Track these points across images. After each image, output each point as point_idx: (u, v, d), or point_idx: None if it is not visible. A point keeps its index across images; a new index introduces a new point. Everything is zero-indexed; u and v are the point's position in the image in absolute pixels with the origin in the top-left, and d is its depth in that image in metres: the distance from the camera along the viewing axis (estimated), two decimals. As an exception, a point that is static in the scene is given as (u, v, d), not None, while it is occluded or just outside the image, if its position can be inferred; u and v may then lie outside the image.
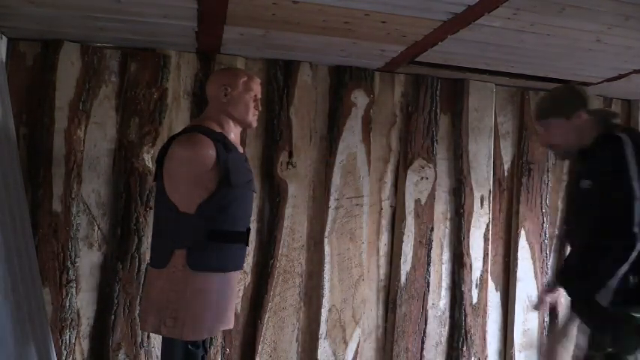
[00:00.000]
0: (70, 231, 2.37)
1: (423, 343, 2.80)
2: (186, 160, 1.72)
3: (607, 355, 1.59)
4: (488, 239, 2.91)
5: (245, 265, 2.55)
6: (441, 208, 2.87)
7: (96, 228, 2.44)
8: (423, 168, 2.83)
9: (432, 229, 2.83)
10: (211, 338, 2.46)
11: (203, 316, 1.74)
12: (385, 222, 2.81)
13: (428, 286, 2.81)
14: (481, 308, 2.87)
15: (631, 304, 1.56)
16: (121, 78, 2.47)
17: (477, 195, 2.89)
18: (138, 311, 2.38)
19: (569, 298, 1.68)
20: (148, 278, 1.87)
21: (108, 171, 2.46)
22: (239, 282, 2.56)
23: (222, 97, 1.84)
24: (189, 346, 1.79)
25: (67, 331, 2.34)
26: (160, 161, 1.82)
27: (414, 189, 2.81)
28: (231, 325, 1.94)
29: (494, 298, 2.96)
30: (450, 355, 2.85)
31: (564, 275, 1.76)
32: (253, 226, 2.59)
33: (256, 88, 1.91)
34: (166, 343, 1.82)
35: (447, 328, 2.86)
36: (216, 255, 1.76)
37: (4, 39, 2.31)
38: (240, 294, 2.57)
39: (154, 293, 1.78)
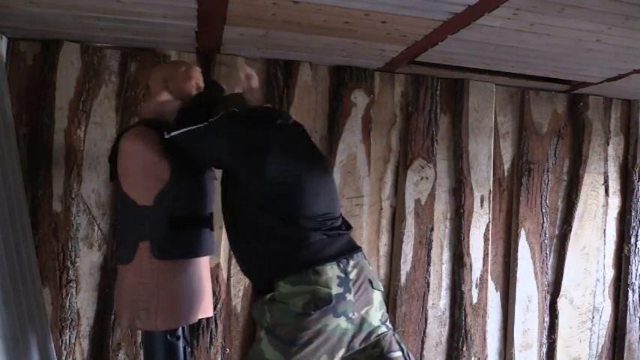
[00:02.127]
0: (70, 231, 2.37)
1: (423, 343, 2.80)
2: (135, 153, 1.76)
3: None
4: (488, 239, 2.91)
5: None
6: (441, 208, 2.87)
7: (96, 228, 2.44)
8: (423, 168, 2.83)
9: (432, 229, 2.83)
10: (210, 338, 2.46)
11: (175, 304, 1.76)
12: (385, 222, 2.81)
13: (428, 286, 2.81)
14: (481, 308, 2.87)
15: None
16: (121, 78, 2.47)
17: (477, 195, 2.89)
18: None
19: None
20: (119, 276, 1.89)
21: (108, 171, 2.45)
22: (239, 282, 2.56)
23: (164, 91, 1.89)
24: (169, 337, 1.80)
25: (67, 331, 2.34)
26: (113, 160, 1.85)
27: (414, 189, 2.81)
28: (210, 313, 1.97)
29: (494, 298, 2.96)
30: (450, 355, 2.85)
31: None
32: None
33: (196, 75, 1.94)
34: (146, 338, 1.84)
35: (447, 328, 2.86)
36: (180, 242, 1.79)
37: (4, 39, 2.31)
38: (240, 294, 2.57)
39: (124, 289, 1.80)
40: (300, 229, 1.64)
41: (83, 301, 2.41)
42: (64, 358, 2.33)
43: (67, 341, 2.34)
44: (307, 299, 1.54)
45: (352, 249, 1.70)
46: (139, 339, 2.41)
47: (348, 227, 1.79)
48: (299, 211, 1.65)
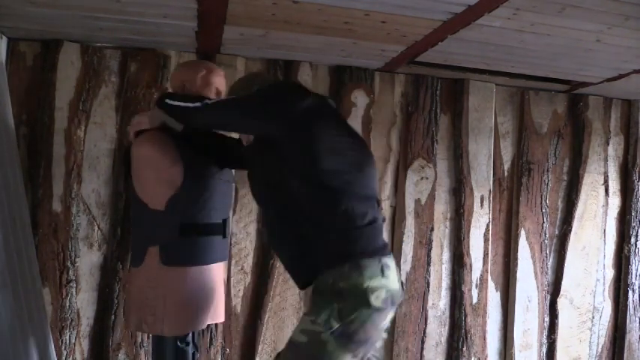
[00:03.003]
0: (70, 231, 2.37)
1: (423, 343, 2.80)
2: (148, 158, 1.73)
3: None
4: (488, 239, 2.91)
5: (245, 265, 2.57)
6: (441, 208, 2.87)
7: (96, 228, 2.44)
8: (423, 168, 2.83)
9: (432, 229, 2.83)
10: (211, 338, 2.46)
11: (182, 310, 1.74)
12: (385, 222, 2.81)
13: (428, 286, 2.81)
14: (481, 308, 2.87)
15: None
16: (121, 78, 2.47)
17: (477, 195, 2.89)
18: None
19: None
20: (128, 277, 1.88)
21: (108, 171, 2.46)
22: (239, 282, 2.56)
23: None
24: (179, 343, 1.79)
25: (67, 331, 2.34)
26: (127, 162, 1.83)
27: (414, 189, 2.81)
28: (221, 319, 1.94)
29: (494, 298, 2.96)
30: (450, 355, 2.85)
31: None
32: (253, 225, 2.59)
33: (217, 80, 1.88)
34: (155, 342, 1.83)
35: (447, 328, 2.86)
36: (189, 249, 1.76)
37: (4, 39, 2.31)
38: (240, 294, 2.57)
39: (133, 292, 1.80)
40: (360, 208, 1.49)
41: (83, 301, 2.41)
42: (64, 358, 2.33)
43: (67, 341, 2.34)
44: (384, 295, 1.43)
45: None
46: (139, 339, 2.41)
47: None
48: (355, 187, 1.50)
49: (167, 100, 1.69)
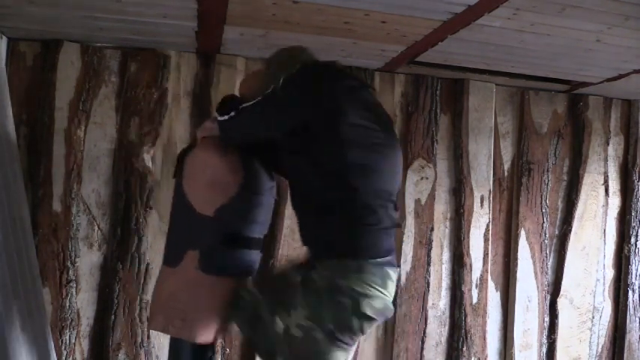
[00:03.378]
0: (70, 231, 2.37)
1: (423, 343, 2.80)
2: (208, 165, 1.71)
3: None
4: (488, 239, 2.91)
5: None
6: (441, 208, 2.87)
7: (96, 228, 2.44)
8: (423, 168, 2.83)
9: (432, 229, 2.83)
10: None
11: (212, 319, 1.72)
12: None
13: (428, 286, 2.81)
14: (481, 308, 2.87)
15: None
16: (121, 78, 2.47)
17: (477, 195, 2.89)
18: (137, 311, 2.39)
19: None
20: (159, 275, 1.86)
21: (108, 171, 2.46)
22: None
23: None
24: (198, 347, 1.79)
25: (67, 331, 2.34)
26: (181, 159, 1.81)
27: (414, 189, 2.81)
28: None
29: (494, 298, 2.96)
30: (450, 355, 2.85)
31: None
32: (253, 226, 2.59)
33: None
34: (174, 344, 1.81)
35: (447, 328, 2.86)
36: (229, 260, 1.74)
37: (4, 39, 2.31)
38: (240, 294, 2.57)
39: (164, 292, 1.76)
40: (374, 208, 1.47)
41: (83, 301, 2.41)
42: (64, 358, 2.33)
43: (67, 341, 2.34)
44: (379, 305, 1.43)
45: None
46: (139, 339, 2.41)
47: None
48: (372, 185, 1.48)
49: (218, 117, 1.69)
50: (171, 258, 1.77)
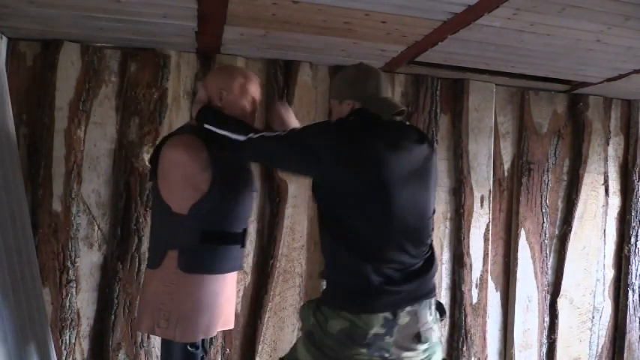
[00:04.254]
0: (70, 231, 2.37)
1: (423, 343, 2.80)
2: (178, 162, 1.72)
3: None
4: (488, 239, 2.91)
5: (245, 265, 2.56)
6: (441, 208, 2.87)
7: (96, 228, 2.44)
8: (423, 168, 2.82)
9: (432, 229, 2.82)
10: (211, 338, 2.46)
11: (196, 318, 1.73)
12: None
13: (428, 286, 2.81)
14: (481, 308, 2.87)
15: None
16: (121, 78, 2.47)
17: (477, 195, 2.89)
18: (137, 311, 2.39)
19: None
20: (144, 278, 1.87)
21: (108, 171, 2.46)
22: (239, 282, 2.56)
23: (218, 101, 1.82)
24: (189, 347, 1.79)
25: (67, 331, 2.34)
26: (153, 161, 1.82)
27: (414, 189, 2.81)
28: (231, 326, 1.93)
29: (494, 298, 2.97)
30: (450, 355, 2.84)
31: None
32: (253, 226, 2.59)
33: (253, 89, 1.86)
34: (165, 344, 1.82)
35: (446, 328, 2.86)
36: (209, 257, 1.75)
37: (4, 39, 2.31)
38: (240, 294, 2.57)
39: (148, 294, 1.78)
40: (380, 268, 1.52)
41: (83, 301, 2.41)
42: (64, 358, 2.33)
43: (67, 341, 2.34)
44: (345, 327, 1.49)
45: (418, 297, 1.55)
46: (139, 339, 2.41)
47: (430, 264, 1.64)
48: (381, 250, 1.54)
49: (208, 127, 1.71)
50: (153, 260, 1.78)
